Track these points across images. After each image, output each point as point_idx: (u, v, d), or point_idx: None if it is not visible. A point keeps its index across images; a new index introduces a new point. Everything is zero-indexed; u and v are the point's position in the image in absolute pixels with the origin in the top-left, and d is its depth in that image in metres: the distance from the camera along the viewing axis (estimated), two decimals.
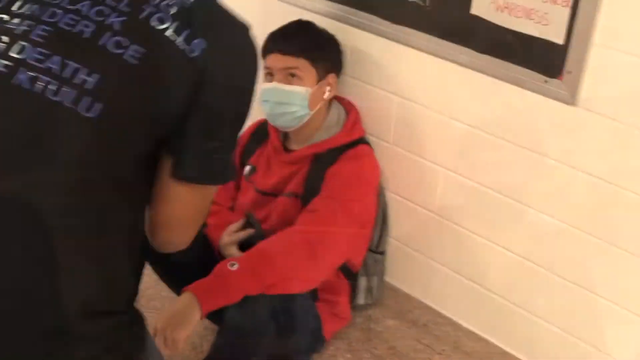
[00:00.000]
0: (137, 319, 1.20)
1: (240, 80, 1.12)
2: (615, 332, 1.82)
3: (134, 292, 1.19)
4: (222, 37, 1.09)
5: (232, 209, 2.20)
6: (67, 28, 1.05)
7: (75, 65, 1.03)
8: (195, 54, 1.04)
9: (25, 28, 1.06)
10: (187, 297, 1.62)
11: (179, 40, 1.04)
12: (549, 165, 1.81)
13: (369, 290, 2.22)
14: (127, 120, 1.04)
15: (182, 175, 1.10)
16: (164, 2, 1.07)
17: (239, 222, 2.03)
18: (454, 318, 2.19)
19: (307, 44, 1.94)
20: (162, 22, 1.05)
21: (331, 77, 1.98)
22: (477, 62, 1.84)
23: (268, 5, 2.26)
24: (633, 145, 1.65)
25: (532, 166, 1.84)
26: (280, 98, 1.93)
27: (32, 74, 1.03)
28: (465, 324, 2.17)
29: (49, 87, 1.03)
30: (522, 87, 1.78)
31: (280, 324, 1.77)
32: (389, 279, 2.31)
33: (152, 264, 2.02)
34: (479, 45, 1.82)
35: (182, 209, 1.16)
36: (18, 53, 1.04)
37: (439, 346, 2.17)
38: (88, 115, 1.01)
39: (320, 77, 1.95)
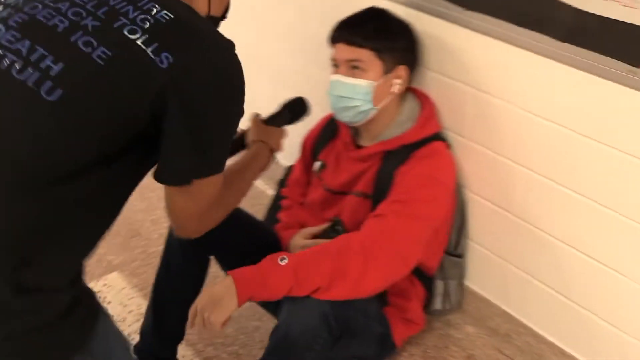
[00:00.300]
0: (81, 300, 1.19)
1: (208, 96, 1.15)
2: None
3: (77, 273, 1.21)
4: (191, 54, 1.12)
5: (303, 204, 2.13)
6: (43, 20, 1.13)
7: (43, 51, 1.10)
8: (164, 65, 1.09)
9: (4, 15, 1.15)
10: (227, 281, 1.57)
11: (149, 50, 1.10)
12: (638, 167, 1.60)
13: (446, 294, 2.09)
14: (86, 111, 1.09)
15: (156, 177, 1.20)
16: (140, 17, 1.13)
17: (321, 227, 1.95)
18: (537, 329, 2.02)
19: (372, 33, 1.79)
20: (134, 32, 1.11)
21: (401, 70, 1.83)
22: (556, 51, 1.65)
23: None
24: None
25: (619, 168, 1.64)
26: (342, 91, 1.82)
27: (0, 52, 1.11)
28: (548, 337, 1.99)
29: (15, 65, 1.09)
30: (606, 78, 1.58)
31: (333, 329, 1.68)
32: (469, 283, 2.17)
33: (215, 254, 2.01)
34: (558, 32, 1.63)
35: (172, 204, 1.27)
36: None
37: (521, 358, 2.01)
38: (48, 98, 1.07)
39: (388, 70, 1.81)
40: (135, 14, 1.13)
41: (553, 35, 1.64)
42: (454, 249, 2.04)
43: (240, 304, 1.55)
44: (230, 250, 2.01)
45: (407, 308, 1.99)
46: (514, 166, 1.87)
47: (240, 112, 1.27)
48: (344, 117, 1.87)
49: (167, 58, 1.10)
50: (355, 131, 1.97)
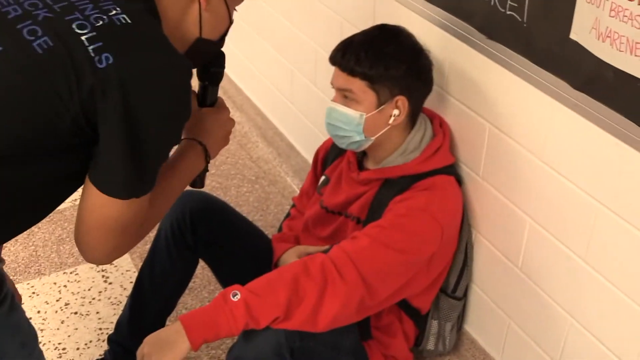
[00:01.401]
0: None
1: (140, 108, 1.10)
2: None
3: None
4: (135, 61, 1.10)
5: None
6: None
7: None
8: (102, 65, 1.08)
9: None
10: (176, 326, 1.49)
11: (91, 48, 1.08)
12: None
13: (440, 336, 1.94)
14: (12, 95, 1.09)
15: (90, 176, 1.16)
16: (95, 15, 1.11)
17: (319, 248, 1.85)
18: None
19: (365, 60, 1.63)
20: (82, 28, 1.10)
21: (400, 100, 1.67)
22: (570, 99, 1.47)
23: (379, 5, 2.02)
24: None
25: (628, 242, 1.44)
26: (335, 120, 1.70)
27: None
28: None
29: None
30: (621, 139, 1.39)
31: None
32: (468, 327, 2.01)
33: (203, 257, 1.97)
34: (575, 78, 1.44)
35: (87, 213, 1.19)
36: None
37: None
38: None
39: (383, 101, 1.66)
40: (92, 12, 1.12)
41: (569, 81, 1.46)
42: (453, 290, 1.89)
43: (195, 348, 1.49)
44: (219, 255, 1.97)
45: (389, 344, 1.87)
46: (525, 218, 1.69)
47: (176, 137, 1.22)
48: (339, 144, 1.76)
49: (107, 59, 1.08)
50: (362, 152, 1.85)
